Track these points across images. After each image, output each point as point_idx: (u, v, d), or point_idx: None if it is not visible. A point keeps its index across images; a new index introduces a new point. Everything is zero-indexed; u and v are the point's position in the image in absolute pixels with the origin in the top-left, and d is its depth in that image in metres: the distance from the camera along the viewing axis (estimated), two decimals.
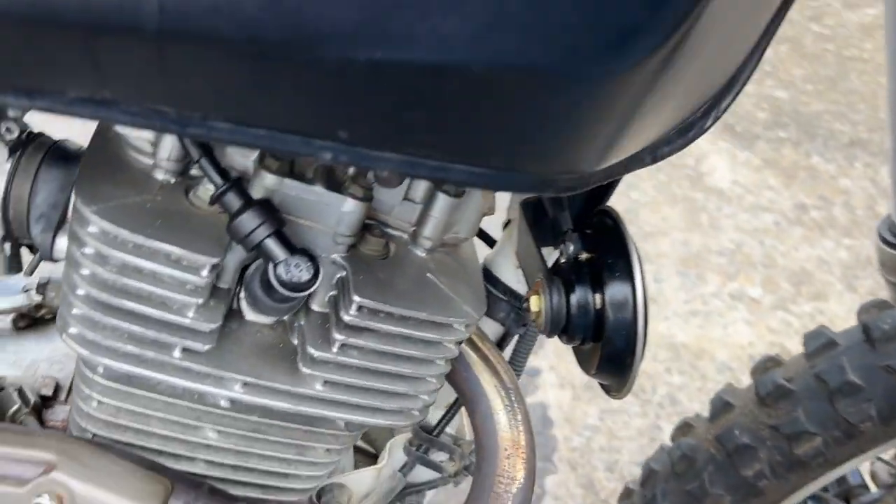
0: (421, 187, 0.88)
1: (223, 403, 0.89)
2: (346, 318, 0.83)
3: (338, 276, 0.86)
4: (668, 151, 0.76)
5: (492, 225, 1.15)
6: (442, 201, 0.87)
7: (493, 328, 1.09)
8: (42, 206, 0.85)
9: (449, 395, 1.15)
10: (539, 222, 0.95)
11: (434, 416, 1.14)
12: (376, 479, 1.12)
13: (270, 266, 0.76)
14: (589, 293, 0.81)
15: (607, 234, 0.82)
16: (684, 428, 1.41)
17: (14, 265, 0.93)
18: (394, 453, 1.13)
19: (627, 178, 3.75)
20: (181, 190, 0.81)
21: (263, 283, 0.80)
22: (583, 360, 0.89)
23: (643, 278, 0.79)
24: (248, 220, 0.74)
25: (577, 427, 2.69)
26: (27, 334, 1.15)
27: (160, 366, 0.83)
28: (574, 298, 0.82)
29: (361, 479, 1.11)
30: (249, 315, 0.88)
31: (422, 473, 1.15)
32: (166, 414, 0.88)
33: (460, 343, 0.91)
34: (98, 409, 0.88)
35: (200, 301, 0.79)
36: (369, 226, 0.88)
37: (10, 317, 1.16)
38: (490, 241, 1.11)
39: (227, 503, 0.84)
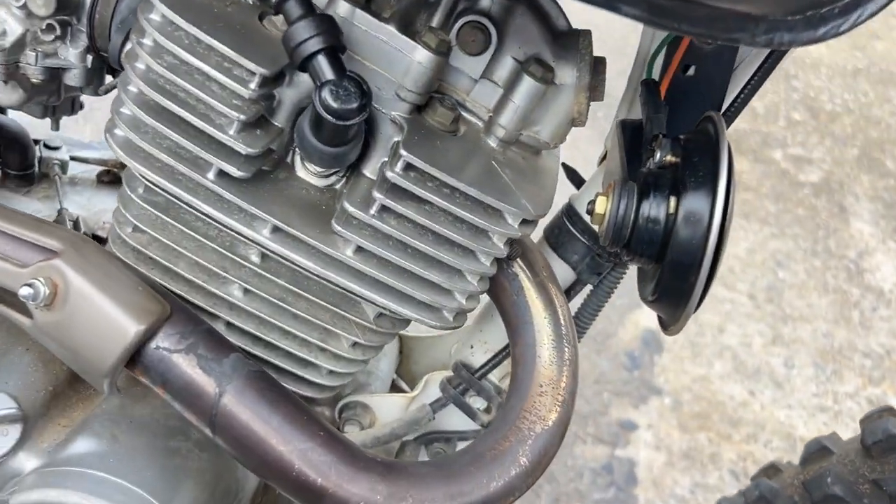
0: (505, 68, 0.80)
1: (253, 258, 0.84)
2: (389, 174, 0.75)
3: (395, 140, 0.79)
4: (787, 40, 0.64)
5: (585, 167, 1.05)
6: (526, 85, 0.79)
7: (562, 272, 0.98)
8: (125, 11, 0.84)
9: (500, 340, 1.05)
10: (634, 150, 0.84)
11: (481, 360, 1.04)
12: (404, 409, 1.03)
13: (316, 91, 0.70)
14: (663, 202, 0.70)
15: (702, 139, 0.71)
16: (769, 470, 1.23)
17: (95, 81, 0.92)
18: (429, 387, 1.03)
19: (777, 255, 3.50)
20: (255, 12, 0.78)
21: (312, 120, 0.74)
22: (643, 284, 0.77)
23: (728, 191, 0.67)
24: (304, 29, 0.69)
25: (664, 494, 2.47)
26: (106, 188, 1.16)
27: (194, 187, 0.79)
28: (646, 206, 0.71)
29: (388, 404, 1.02)
30: (301, 171, 0.83)
31: (453, 420, 1.04)
32: (196, 256, 0.84)
33: (511, 246, 0.81)
34: (132, 235, 0.85)
35: (243, 118, 0.74)
36: (441, 97, 0.81)
37: (98, 170, 1.17)
38: (579, 182, 1.01)
39: (222, 348, 0.77)
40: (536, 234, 1.03)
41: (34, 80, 0.88)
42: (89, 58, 0.90)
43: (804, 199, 3.50)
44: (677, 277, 0.68)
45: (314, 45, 0.69)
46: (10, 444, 0.80)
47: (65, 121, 1.08)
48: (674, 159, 0.71)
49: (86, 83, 0.91)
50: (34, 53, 0.87)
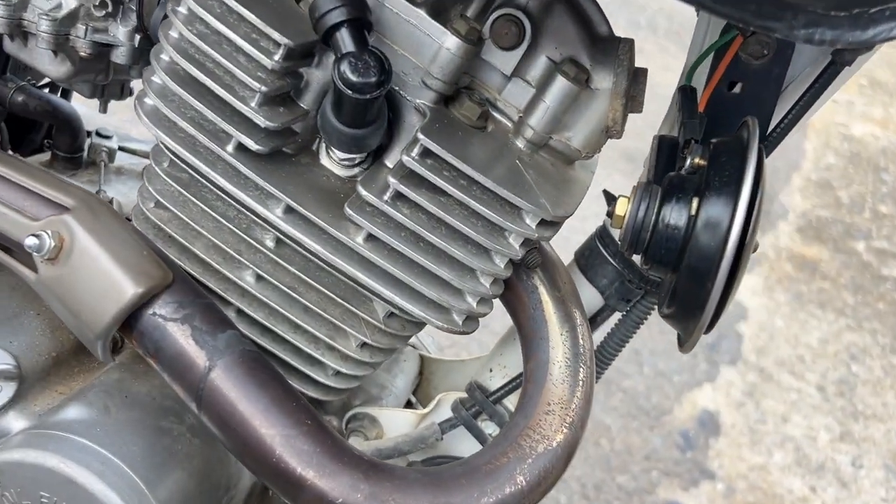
0: (538, 67, 0.78)
1: (268, 243, 0.82)
2: (405, 158, 0.73)
3: (417, 128, 0.77)
4: (830, 37, 0.60)
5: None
6: (559, 85, 0.77)
7: (590, 296, 0.93)
8: None
9: (520, 366, 1.00)
10: (669, 165, 0.80)
11: (498, 384, 0.99)
12: (413, 427, 0.98)
13: (335, 63, 0.69)
14: (686, 205, 0.65)
15: (734, 141, 0.66)
16: None
17: (142, 62, 0.94)
18: (441, 406, 0.99)
19: (852, 349, 3.35)
20: None
21: (333, 98, 0.73)
22: (661, 298, 0.72)
23: (754, 193, 0.62)
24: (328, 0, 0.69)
25: None
26: None
27: (213, 160, 0.78)
28: (667, 209, 0.67)
29: (397, 420, 0.98)
30: (324, 159, 0.82)
31: (463, 445, 0.99)
32: (213, 236, 0.83)
33: (528, 247, 0.78)
34: (154, 211, 0.85)
35: (265, 89, 0.73)
36: (470, 92, 0.79)
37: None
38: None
39: (219, 323, 0.75)
40: (567, 258, 0.99)
41: (82, 54, 0.90)
42: (137, 37, 0.92)
43: (886, 294, 3.34)
44: (693, 284, 0.63)
45: (337, 15, 0.69)
46: (2, 400, 0.79)
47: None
48: (702, 162, 0.67)
49: (132, 62, 0.93)
50: (84, 27, 0.89)
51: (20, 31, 0.90)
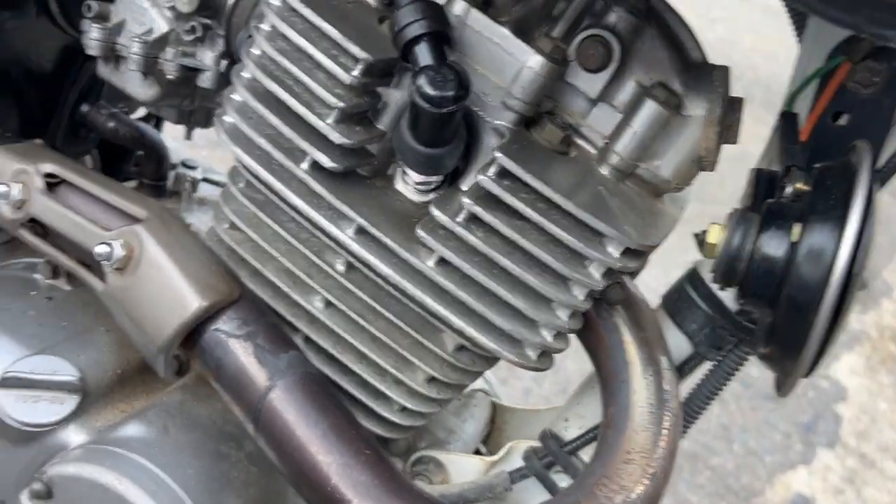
0: (627, 91, 0.75)
1: (339, 267, 0.80)
2: (480, 177, 0.70)
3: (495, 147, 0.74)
4: None
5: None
6: (648, 110, 0.73)
7: (678, 342, 0.87)
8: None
9: (599, 417, 0.93)
10: (768, 197, 0.74)
11: (574, 435, 0.93)
12: (481, 473, 0.92)
13: (413, 78, 0.67)
14: (787, 233, 0.60)
15: (840, 166, 0.61)
16: None
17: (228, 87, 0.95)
18: (512, 455, 0.93)
19: None
20: (375, 14, 0.77)
21: (410, 115, 0.71)
22: (757, 334, 0.66)
23: (863, 220, 0.56)
24: (409, 13, 0.67)
25: None
26: None
27: (288, 178, 0.77)
28: (766, 238, 0.61)
29: (464, 465, 0.93)
30: (399, 184, 0.80)
31: (533, 499, 0.92)
32: (285, 259, 0.81)
33: (610, 279, 0.73)
34: (228, 232, 0.84)
35: (343, 105, 0.72)
36: (552, 114, 0.76)
37: None
38: None
39: (282, 343, 0.73)
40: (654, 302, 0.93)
41: (169, 77, 0.91)
42: (223, 62, 0.92)
43: None
44: (793, 318, 0.57)
45: (416, 29, 0.67)
46: (64, 412, 0.78)
47: None
48: (805, 188, 0.61)
49: (218, 87, 0.93)
50: (173, 50, 0.90)
51: (113, 55, 0.92)
